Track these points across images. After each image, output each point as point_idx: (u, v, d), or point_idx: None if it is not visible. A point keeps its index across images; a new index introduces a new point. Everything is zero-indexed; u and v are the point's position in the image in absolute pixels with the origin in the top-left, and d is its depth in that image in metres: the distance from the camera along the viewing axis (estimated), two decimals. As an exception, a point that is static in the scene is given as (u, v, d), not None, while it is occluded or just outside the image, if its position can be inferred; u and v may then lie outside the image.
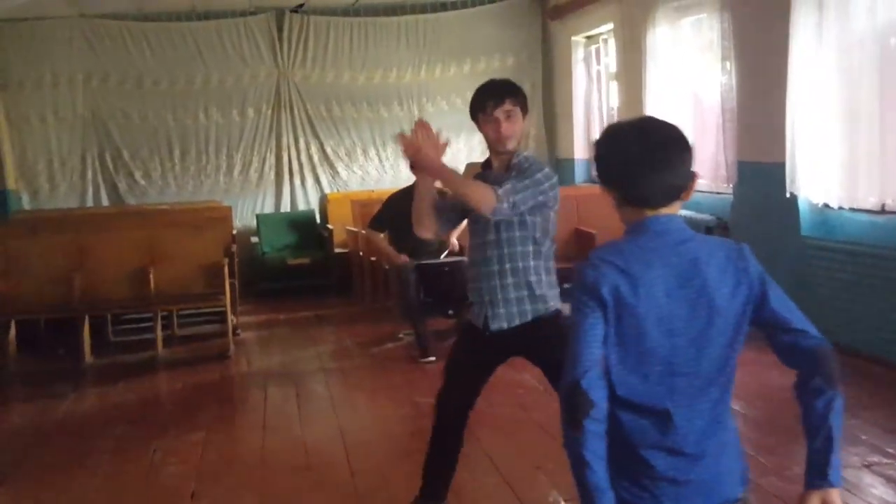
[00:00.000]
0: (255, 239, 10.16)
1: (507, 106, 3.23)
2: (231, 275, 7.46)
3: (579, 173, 10.61)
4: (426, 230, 3.30)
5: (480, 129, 3.32)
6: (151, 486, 4.57)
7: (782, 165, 6.37)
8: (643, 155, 1.82)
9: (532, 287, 3.27)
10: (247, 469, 4.72)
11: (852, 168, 5.99)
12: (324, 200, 10.67)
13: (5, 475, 4.80)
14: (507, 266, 3.26)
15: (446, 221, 3.37)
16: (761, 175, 6.79)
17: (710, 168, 7.69)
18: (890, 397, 5.26)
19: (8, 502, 4.53)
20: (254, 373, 6.83)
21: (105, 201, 10.43)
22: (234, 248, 7.99)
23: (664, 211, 1.85)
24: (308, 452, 4.92)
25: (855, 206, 6.00)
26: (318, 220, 10.60)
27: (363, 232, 8.06)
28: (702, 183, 8.03)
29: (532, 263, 3.27)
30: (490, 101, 3.24)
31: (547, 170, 3.28)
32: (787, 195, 6.35)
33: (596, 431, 1.75)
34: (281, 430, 5.33)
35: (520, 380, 6.11)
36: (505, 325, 3.26)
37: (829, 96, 6.03)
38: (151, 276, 7.20)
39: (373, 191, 10.47)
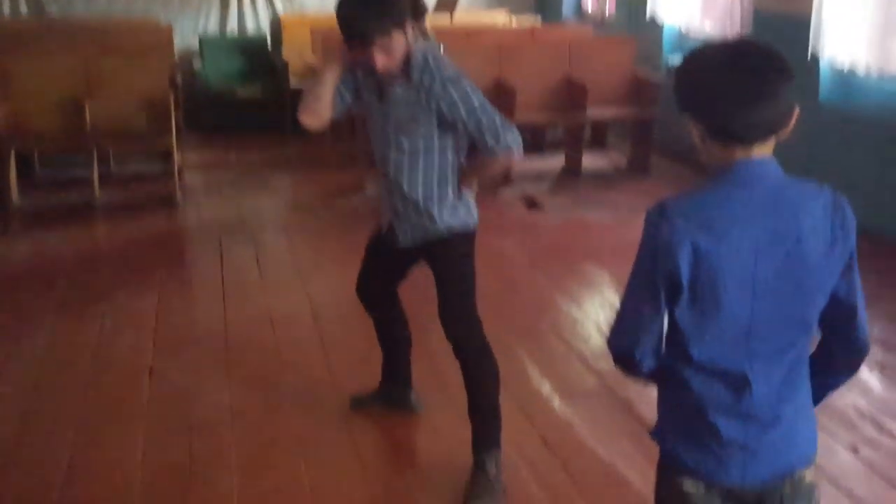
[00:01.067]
0: (197, 65, 9.17)
1: (372, 43, 2.67)
2: (176, 109, 6.64)
3: (567, 5, 9.77)
4: (317, 119, 2.86)
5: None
6: (104, 358, 4.12)
7: (807, 20, 5.71)
8: (738, 81, 1.55)
9: (435, 206, 2.91)
10: (209, 345, 4.25)
11: (885, 30, 5.38)
12: (277, 24, 9.63)
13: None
14: (411, 181, 2.88)
15: (339, 104, 2.93)
16: (780, 29, 6.12)
17: (720, 14, 6.97)
18: (890, 279, 4.92)
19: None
20: (206, 226, 6.17)
21: (23, 7, 9.26)
22: (179, 78, 7.10)
23: (757, 151, 1.58)
24: (275, 327, 4.45)
25: (885, 72, 5.43)
26: (270, 48, 9.61)
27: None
28: (709, 31, 7.35)
29: (438, 179, 2.89)
30: (350, 41, 2.71)
31: (460, 72, 2.79)
32: (809, 57, 5.73)
33: (649, 376, 1.75)
34: (242, 298, 4.83)
35: (501, 247, 5.68)
36: (409, 242, 3.00)
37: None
38: (87, 110, 6.31)
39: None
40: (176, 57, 8.36)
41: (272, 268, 5.31)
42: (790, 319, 1.62)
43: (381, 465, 3.30)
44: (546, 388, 3.80)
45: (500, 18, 9.39)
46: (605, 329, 4.40)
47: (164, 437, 3.39)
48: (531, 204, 6.53)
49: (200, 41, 9.45)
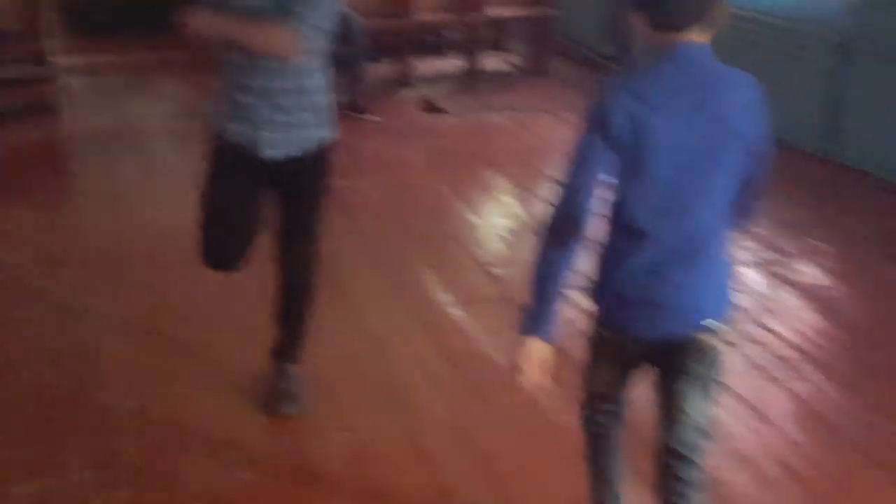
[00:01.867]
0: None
1: None
2: (53, 7, 6.20)
3: None
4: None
5: None
6: None
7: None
8: None
9: (302, 112, 2.71)
10: (97, 258, 4.09)
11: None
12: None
13: None
14: (279, 84, 2.66)
15: None
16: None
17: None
18: (777, 177, 5.09)
19: None
20: (90, 134, 5.86)
21: None
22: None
23: (695, 38, 1.81)
24: (167, 239, 4.26)
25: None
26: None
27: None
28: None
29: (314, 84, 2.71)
30: None
31: None
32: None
33: (574, 248, 1.87)
34: (130, 210, 4.65)
35: (399, 152, 5.63)
36: (278, 154, 2.73)
37: None
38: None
39: None
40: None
41: (160, 178, 5.11)
42: (707, 187, 1.84)
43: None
44: (444, 296, 3.81)
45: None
46: (504, 235, 4.44)
47: (49, 358, 3.27)
48: (430, 107, 6.44)
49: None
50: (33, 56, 6.56)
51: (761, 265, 4.07)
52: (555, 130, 5.96)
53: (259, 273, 3.63)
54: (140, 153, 5.44)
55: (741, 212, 1.96)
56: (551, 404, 2.88)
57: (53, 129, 5.93)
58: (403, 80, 6.98)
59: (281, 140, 2.71)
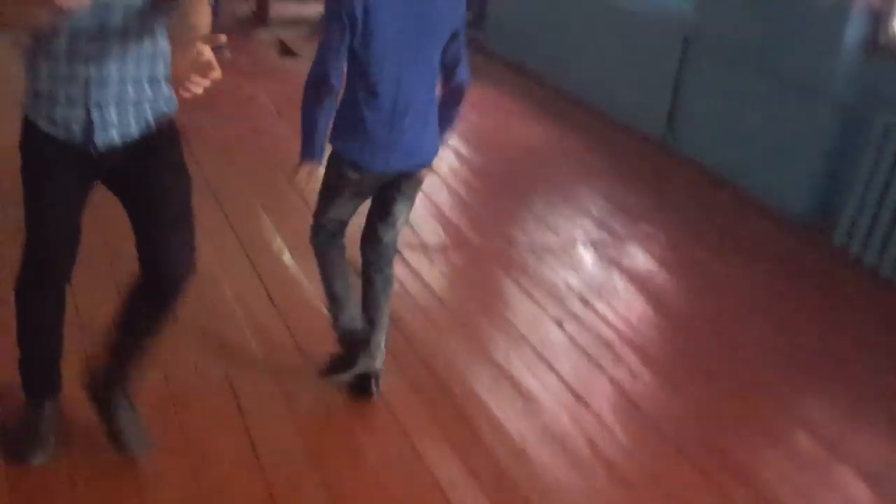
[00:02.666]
0: None
1: None
2: None
3: None
4: None
5: None
6: None
7: None
8: None
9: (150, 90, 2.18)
10: None
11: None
12: None
13: None
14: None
15: None
16: None
17: None
18: (618, 161, 5.25)
19: None
20: None
21: None
22: None
23: None
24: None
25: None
26: None
27: None
28: None
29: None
30: None
31: None
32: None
33: (330, 106, 2.50)
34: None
35: (251, 93, 5.41)
36: (116, 139, 2.15)
37: None
38: None
39: None
40: None
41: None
42: (420, 55, 2.50)
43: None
44: (278, 242, 3.68)
45: None
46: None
47: None
48: (285, 50, 6.20)
49: None
50: None
51: (594, 245, 4.16)
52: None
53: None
54: None
55: (449, 97, 2.65)
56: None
57: None
58: (261, 20, 6.68)
59: (112, 124, 2.14)
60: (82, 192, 2.22)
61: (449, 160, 4.86)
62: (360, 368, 2.74)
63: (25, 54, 2.10)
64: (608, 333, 3.39)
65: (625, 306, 3.63)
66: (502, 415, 2.81)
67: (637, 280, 3.87)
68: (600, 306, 3.58)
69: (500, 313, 3.47)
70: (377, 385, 2.79)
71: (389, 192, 2.65)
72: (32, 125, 2.13)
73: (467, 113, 5.55)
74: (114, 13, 2.02)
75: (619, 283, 3.84)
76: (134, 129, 2.15)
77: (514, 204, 4.55)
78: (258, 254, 3.58)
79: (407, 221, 2.80)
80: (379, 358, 2.77)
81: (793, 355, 3.42)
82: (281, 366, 2.90)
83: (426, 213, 4.19)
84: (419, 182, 2.68)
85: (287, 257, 3.58)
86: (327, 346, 2.82)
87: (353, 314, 2.76)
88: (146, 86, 2.15)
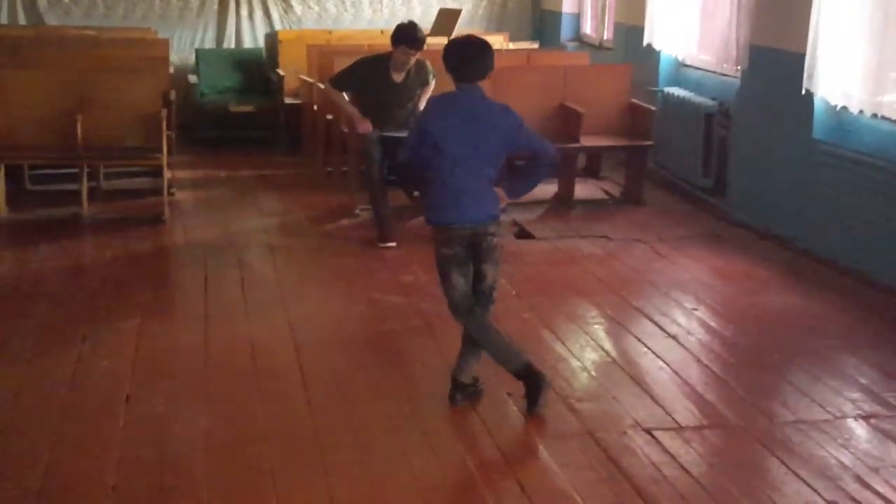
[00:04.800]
0: (192, 78, 9.14)
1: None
2: (168, 126, 6.58)
3: (565, 29, 9.82)
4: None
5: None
6: (80, 385, 4.03)
7: (801, 56, 5.70)
8: (461, 52, 3.80)
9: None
10: (187, 370, 4.20)
11: (879, 70, 5.36)
12: (273, 38, 9.61)
13: None
14: None
15: None
16: (776, 63, 6.11)
17: (719, 48, 6.96)
18: (888, 327, 4.86)
19: None
20: (192, 244, 6.11)
21: (22, 18, 9.30)
22: (173, 94, 7.05)
23: (469, 85, 3.76)
24: (255, 354, 4.39)
25: (878, 113, 5.40)
26: (266, 62, 9.58)
27: (321, 86, 7.17)
28: (705, 61, 7.36)
29: None
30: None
31: None
32: (803, 91, 5.71)
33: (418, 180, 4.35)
34: (224, 323, 4.76)
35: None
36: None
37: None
38: (79, 124, 6.25)
39: (331, 31, 9.58)
40: (172, 69, 8.33)
41: (256, 292, 5.24)
42: (477, 159, 3.70)
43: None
44: (530, 429, 3.74)
45: (497, 42, 9.37)
46: (590, 369, 4.34)
47: (136, 467, 3.32)
48: (520, 232, 6.48)
49: (197, 53, 9.43)
50: (150, 169, 7.01)
51: (866, 418, 3.84)
52: (647, 260, 5.89)
53: (340, 395, 3.63)
54: (238, 266, 5.62)
55: (524, 174, 4.02)
56: None
57: (161, 238, 6.20)
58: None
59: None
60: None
61: (698, 334, 4.75)
62: (543, 388, 3.74)
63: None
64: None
65: (908, 484, 3.30)
66: None
67: (918, 453, 3.53)
68: (880, 487, 3.29)
69: (766, 497, 3.27)
70: (457, 390, 3.81)
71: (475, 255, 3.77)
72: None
73: (713, 282, 5.58)
74: None
75: (899, 457, 3.52)
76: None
77: (773, 377, 4.31)
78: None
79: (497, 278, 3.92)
80: (466, 371, 3.83)
81: None
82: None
83: (678, 392, 4.09)
84: (493, 243, 3.78)
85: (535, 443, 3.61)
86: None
87: (517, 350, 3.81)
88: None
